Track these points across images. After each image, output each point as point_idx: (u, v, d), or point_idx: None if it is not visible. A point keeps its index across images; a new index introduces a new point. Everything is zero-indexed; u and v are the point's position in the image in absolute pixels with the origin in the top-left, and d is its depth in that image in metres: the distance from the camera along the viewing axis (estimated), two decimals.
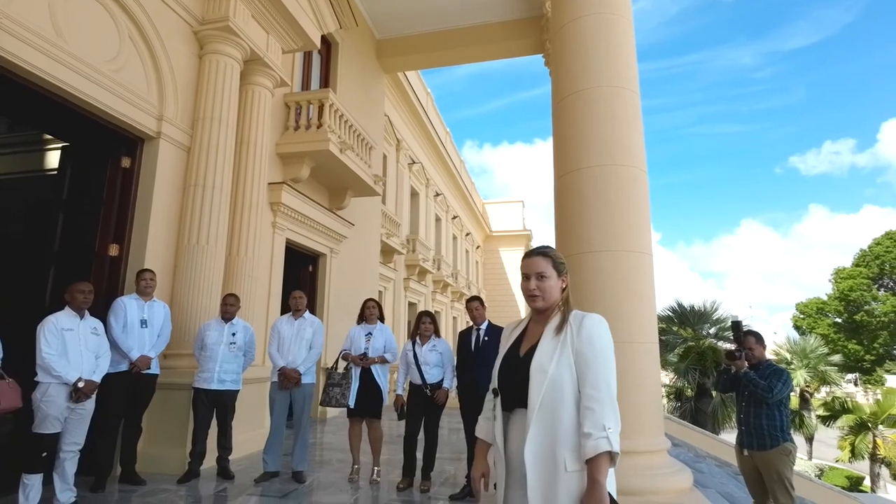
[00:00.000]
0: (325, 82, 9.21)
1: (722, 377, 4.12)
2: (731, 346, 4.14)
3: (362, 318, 4.85)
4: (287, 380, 4.59)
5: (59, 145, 5.45)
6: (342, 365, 4.67)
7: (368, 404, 4.57)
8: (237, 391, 4.78)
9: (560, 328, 1.63)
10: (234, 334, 4.74)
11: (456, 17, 10.00)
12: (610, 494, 1.48)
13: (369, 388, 4.58)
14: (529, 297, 1.71)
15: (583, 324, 1.61)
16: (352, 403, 4.50)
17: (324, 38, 8.44)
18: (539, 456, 1.54)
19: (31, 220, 5.53)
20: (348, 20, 9.20)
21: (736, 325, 4.24)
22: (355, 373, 4.58)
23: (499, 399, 1.72)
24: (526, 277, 1.73)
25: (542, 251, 1.76)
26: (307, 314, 4.91)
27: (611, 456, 1.47)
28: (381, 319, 4.89)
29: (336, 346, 4.95)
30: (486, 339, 4.38)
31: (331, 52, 9.39)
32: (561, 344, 1.60)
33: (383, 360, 4.66)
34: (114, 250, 4.92)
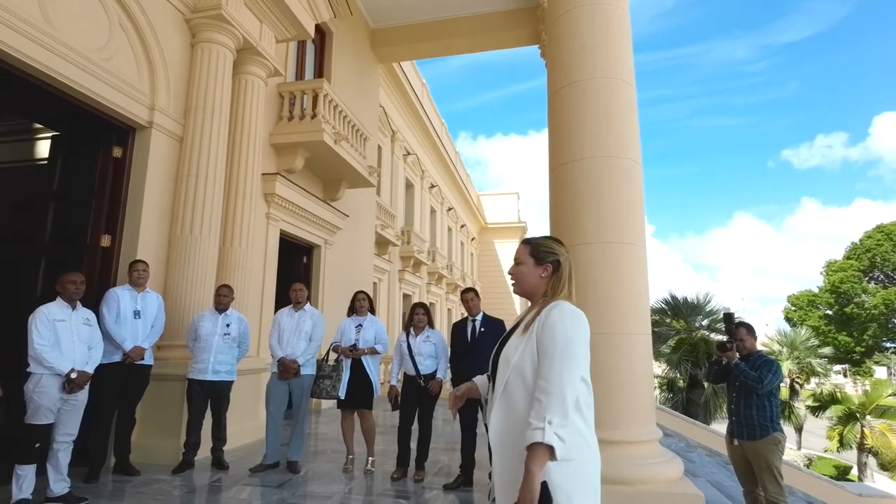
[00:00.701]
0: (320, 72, 9.12)
1: (713, 368, 4.17)
2: (723, 338, 4.19)
3: (353, 310, 4.86)
4: (286, 371, 4.60)
5: (50, 134, 5.38)
6: (333, 357, 4.69)
7: (359, 396, 4.59)
8: (232, 382, 4.78)
9: (532, 320, 1.63)
10: (228, 325, 4.73)
11: (451, 6, 9.91)
12: (546, 485, 1.43)
13: (360, 380, 4.59)
14: (511, 282, 1.80)
15: (549, 314, 1.58)
16: (342, 395, 4.52)
17: (318, 28, 8.35)
18: (503, 443, 1.57)
19: (22, 211, 5.47)
20: (342, 9, 9.11)
21: (728, 317, 4.29)
22: (346, 364, 4.59)
23: (491, 384, 1.73)
24: None
25: (524, 239, 1.82)
26: (307, 306, 4.91)
27: (550, 449, 1.40)
28: (372, 311, 4.90)
29: (329, 338, 4.95)
30: (482, 330, 4.40)
31: (325, 41, 9.29)
32: (528, 336, 1.60)
33: (373, 351, 4.67)
34: (106, 241, 4.88)
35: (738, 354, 3.95)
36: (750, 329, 4.02)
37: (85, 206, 4.91)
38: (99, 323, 4.00)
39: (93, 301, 4.32)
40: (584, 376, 1.57)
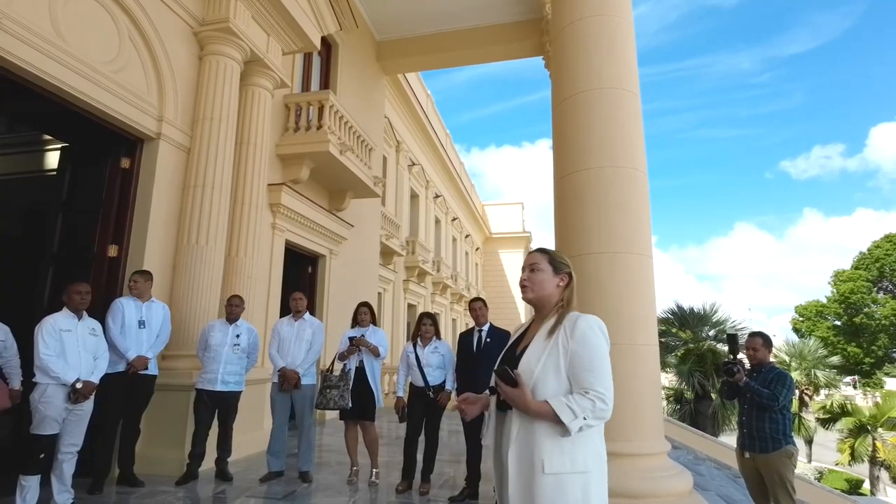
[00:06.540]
0: (326, 84, 9.20)
1: (725, 387, 4.12)
2: (729, 353, 4.15)
3: (355, 321, 4.85)
4: (286, 381, 4.58)
5: (59, 146, 5.44)
6: (338, 367, 4.66)
7: (362, 407, 4.56)
8: (240, 392, 4.76)
9: (553, 329, 1.63)
10: (238, 336, 4.72)
11: (456, 19, 9.99)
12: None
13: (363, 392, 4.57)
14: (521, 287, 1.78)
15: (577, 325, 1.60)
16: (350, 404, 4.49)
17: (324, 40, 8.44)
18: (520, 456, 1.56)
19: (30, 221, 5.52)
20: (348, 22, 9.20)
21: (732, 339, 4.25)
22: (351, 374, 4.57)
23: (494, 398, 1.71)
24: (522, 270, 1.81)
25: (541, 248, 1.83)
26: (307, 315, 4.91)
27: (562, 428, 1.51)
28: (374, 323, 4.89)
29: (332, 348, 4.94)
30: (487, 340, 4.36)
31: (331, 53, 9.38)
32: (551, 345, 1.60)
33: (377, 351, 4.64)
34: (113, 251, 4.90)
35: (744, 376, 3.86)
36: (766, 340, 3.94)
37: (93, 217, 4.93)
38: (104, 333, 4.01)
39: (100, 311, 4.33)
40: None
